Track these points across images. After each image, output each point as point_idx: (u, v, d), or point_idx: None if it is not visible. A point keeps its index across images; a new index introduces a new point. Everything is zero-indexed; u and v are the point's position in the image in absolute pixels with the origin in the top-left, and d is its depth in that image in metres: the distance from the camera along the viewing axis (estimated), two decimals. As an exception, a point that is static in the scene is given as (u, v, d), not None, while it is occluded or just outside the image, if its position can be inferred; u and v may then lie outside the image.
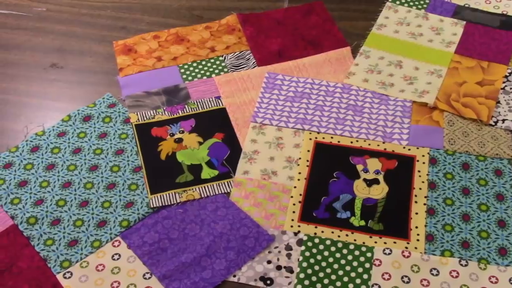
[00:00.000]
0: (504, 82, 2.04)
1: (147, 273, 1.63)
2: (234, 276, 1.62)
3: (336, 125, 1.92)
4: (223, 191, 1.79)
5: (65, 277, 1.63)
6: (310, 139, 1.89)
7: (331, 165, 1.84)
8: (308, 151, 1.87)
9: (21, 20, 2.29)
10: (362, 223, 1.71)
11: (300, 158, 1.85)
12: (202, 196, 1.78)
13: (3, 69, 2.13)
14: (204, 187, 1.80)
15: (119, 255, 1.67)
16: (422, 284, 1.60)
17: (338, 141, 1.89)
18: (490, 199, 1.76)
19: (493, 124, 1.92)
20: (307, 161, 1.85)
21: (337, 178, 1.81)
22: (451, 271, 1.62)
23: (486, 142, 1.88)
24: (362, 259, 1.64)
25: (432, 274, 1.62)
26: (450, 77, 2.05)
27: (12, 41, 2.22)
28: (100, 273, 1.64)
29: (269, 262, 1.65)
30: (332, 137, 1.90)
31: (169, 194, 1.78)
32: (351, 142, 1.89)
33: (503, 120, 1.93)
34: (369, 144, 1.88)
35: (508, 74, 2.07)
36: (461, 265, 1.64)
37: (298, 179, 1.81)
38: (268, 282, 1.61)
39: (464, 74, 2.06)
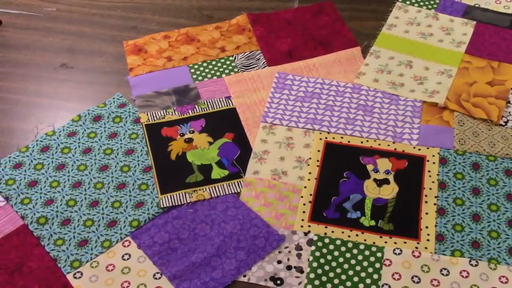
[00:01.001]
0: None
1: (157, 273, 1.62)
2: (244, 276, 1.62)
3: (346, 125, 1.92)
4: (233, 191, 1.79)
5: (75, 277, 1.62)
6: (320, 139, 1.89)
7: (341, 165, 1.83)
8: (318, 151, 1.86)
9: (31, 20, 2.29)
10: (372, 223, 1.71)
11: (310, 158, 1.85)
12: (212, 196, 1.77)
13: (13, 69, 2.13)
14: (214, 187, 1.79)
15: (129, 255, 1.66)
16: (432, 284, 1.60)
17: (348, 141, 1.88)
18: (500, 199, 1.75)
19: (504, 124, 1.91)
20: (317, 161, 1.84)
21: (347, 178, 1.80)
22: (461, 271, 1.62)
23: (496, 142, 1.87)
24: (372, 259, 1.64)
25: (442, 274, 1.61)
26: (460, 77, 2.04)
27: (22, 41, 2.23)
28: (110, 273, 1.63)
29: (279, 262, 1.64)
30: (342, 137, 1.89)
31: (179, 194, 1.77)
32: (361, 142, 1.88)
33: (498, 61, 1.93)
34: (379, 144, 1.87)
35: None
36: (471, 265, 1.63)
37: (308, 179, 1.80)
38: (278, 282, 1.61)
39: (475, 74, 2.05)
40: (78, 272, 1.63)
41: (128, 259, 1.66)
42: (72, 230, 1.71)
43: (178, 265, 1.63)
